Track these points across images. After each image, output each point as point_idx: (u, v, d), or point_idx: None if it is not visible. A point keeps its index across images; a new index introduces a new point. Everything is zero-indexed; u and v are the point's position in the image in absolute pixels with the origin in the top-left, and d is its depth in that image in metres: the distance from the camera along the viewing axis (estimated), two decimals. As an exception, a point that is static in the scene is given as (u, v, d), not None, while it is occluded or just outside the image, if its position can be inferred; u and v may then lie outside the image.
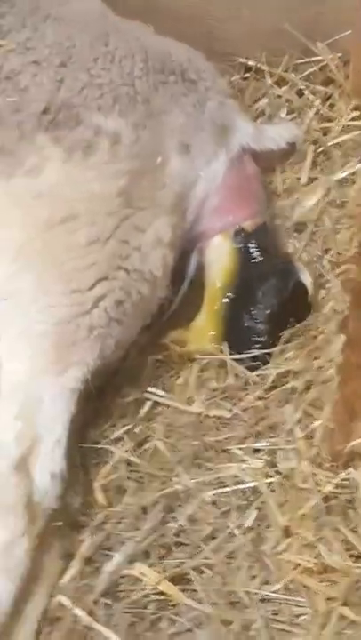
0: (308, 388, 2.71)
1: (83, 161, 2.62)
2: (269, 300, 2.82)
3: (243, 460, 2.61)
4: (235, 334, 2.82)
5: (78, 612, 2.38)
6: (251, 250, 2.86)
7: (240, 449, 2.63)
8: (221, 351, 2.81)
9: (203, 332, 2.84)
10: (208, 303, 2.86)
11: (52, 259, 2.57)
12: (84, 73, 2.71)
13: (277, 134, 3.08)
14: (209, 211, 2.86)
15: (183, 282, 2.89)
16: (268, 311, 2.81)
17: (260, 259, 2.86)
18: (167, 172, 2.74)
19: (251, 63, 3.40)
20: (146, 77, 2.78)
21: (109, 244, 2.61)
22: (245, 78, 3.41)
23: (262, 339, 2.79)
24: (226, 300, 2.84)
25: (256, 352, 2.78)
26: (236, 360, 2.79)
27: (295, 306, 2.85)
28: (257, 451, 2.63)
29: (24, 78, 2.68)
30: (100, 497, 2.59)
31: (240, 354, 2.78)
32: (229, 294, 2.84)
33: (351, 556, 2.43)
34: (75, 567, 2.49)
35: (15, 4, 2.79)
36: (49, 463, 2.46)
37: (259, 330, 2.81)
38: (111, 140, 2.66)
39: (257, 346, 2.79)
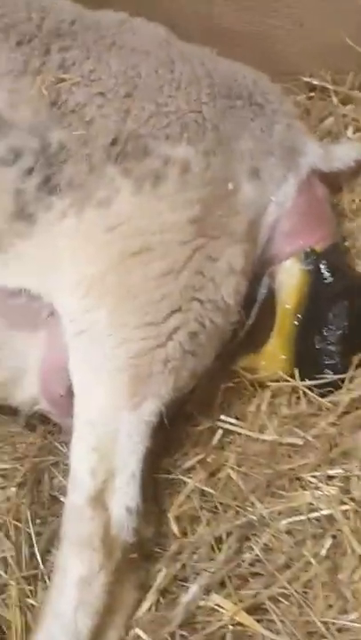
0: (381, 413, 2.68)
1: (153, 191, 2.61)
2: (341, 322, 2.79)
3: (317, 488, 2.58)
4: (306, 357, 2.80)
5: (155, 645, 2.38)
6: (322, 270, 2.83)
7: (314, 476, 2.60)
8: (293, 377, 2.78)
9: (274, 356, 2.82)
10: (279, 326, 2.84)
11: (125, 292, 2.56)
12: (150, 102, 2.70)
13: (345, 154, 3.03)
14: (280, 235, 2.83)
15: (254, 306, 2.86)
16: (339, 332, 2.79)
17: (331, 279, 2.84)
18: (239, 198, 2.72)
19: (315, 82, 3.39)
20: (213, 103, 2.76)
21: (183, 275, 2.59)
22: (310, 97, 3.40)
23: (334, 361, 2.77)
24: (297, 323, 2.82)
25: (328, 377, 2.75)
26: (308, 386, 2.76)
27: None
28: (331, 478, 2.60)
29: (90, 111, 2.67)
30: (174, 527, 2.60)
31: (312, 379, 2.76)
32: (300, 316, 2.81)
33: None
34: (150, 599, 2.50)
35: (77, 36, 2.78)
36: (125, 497, 2.46)
37: (330, 352, 2.78)
38: (181, 168, 2.64)
39: (329, 369, 2.76)
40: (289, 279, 2.85)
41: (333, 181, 3.06)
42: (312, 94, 3.40)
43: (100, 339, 2.54)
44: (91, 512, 2.44)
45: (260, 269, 2.86)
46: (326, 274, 2.84)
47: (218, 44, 3.01)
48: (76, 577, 2.40)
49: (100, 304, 2.55)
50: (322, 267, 2.84)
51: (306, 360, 2.80)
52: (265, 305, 2.88)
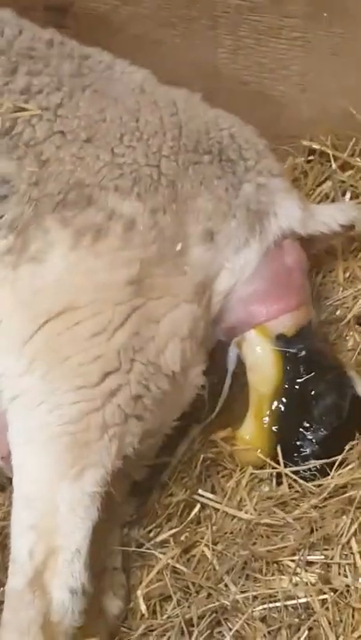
0: (367, 497, 2.56)
1: (91, 247, 2.43)
2: (326, 422, 2.64)
3: (295, 574, 2.45)
4: (287, 447, 2.64)
5: None
6: (296, 355, 2.67)
7: (292, 561, 2.47)
8: (276, 459, 2.63)
9: (251, 444, 2.67)
10: (254, 412, 2.68)
11: (55, 354, 2.39)
12: (106, 150, 2.52)
13: (330, 216, 2.81)
14: (238, 303, 2.64)
15: (226, 376, 2.73)
16: (324, 433, 2.64)
17: (307, 365, 2.66)
18: (187, 259, 2.53)
19: (315, 146, 3.29)
20: (175, 157, 2.58)
21: (117, 336, 2.41)
22: (310, 161, 3.30)
23: (318, 451, 2.62)
24: (274, 408, 2.66)
25: (313, 463, 2.61)
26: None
27: (354, 422, 2.66)
28: (310, 564, 2.47)
29: (48, 149, 2.49)
30: (142, 606, 2.46)
31: (296, 463, 2.62)
32: (276, 403, 2.66)
33: None
34: None
35: (50, 62, 2.61)
36: (68, 577, 2.28)
37: (314, 451, 2.63)
38: (125, 225, 2.46)
39: (312, 457, 2.62)
40: (259, 359, 2.68)
41: (319, 245, 2.93)
42: (311, 158, 3.30)
43: (32, 405, 2.37)
44: (30, 596, 2.25)
45: (225, 337, 2.70)
46: (301, 358, 2.67)
47: (218, 98, 2.90)
48: None
49: (32, 368, 2.39)
50: (294, 350, 2.67)
51: (287, 449, 2.64)
52: (238, 374, 2.74)
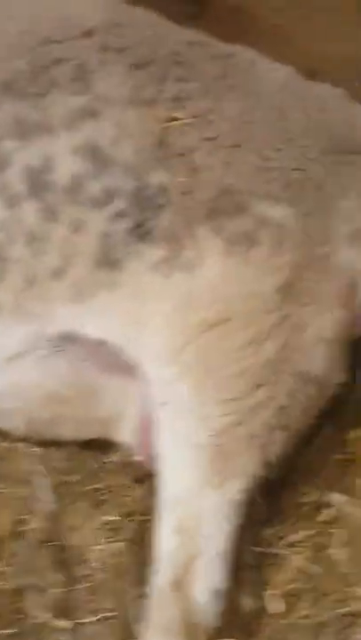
0: None
1: (242, 255, 2.44)
2: None
3: None
4: None
5: None
6: None
7: None
8: None
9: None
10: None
11: (206, 365, 2.43)
12: (255, 155, 2.51)
13: None
14: None
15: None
16: None
17: None
18: (335, 262, 2.52)
19: None
20: (323, 158, 2.56)
21: (266, 347, 2.44)
22: None
23: None
24: None
25: None
26: None
27: None
28: None
29: (198, 157, 2.49)
30: (274, 605, 2.53)
31: None
32: None
33: None
34: None
35: (195, 65, 2.59)
36: (210, 580, 2.37)
37: None
38: (275, 231, 2.46)
39: None
40: None
41: None
42: None
43: (183, 413, 2.43)
44: (173, 596, 2.36)
45: None
46: None
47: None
48: None
49: (182, 377, 2.44)
50: None
51: None
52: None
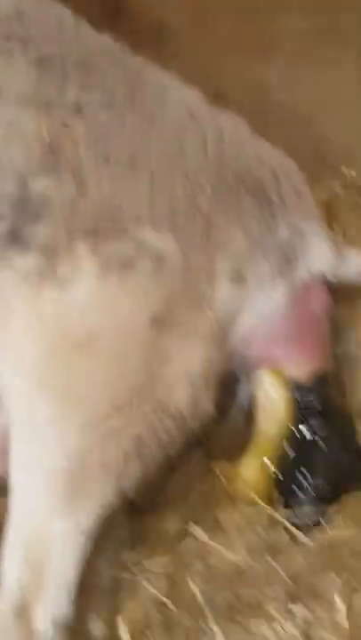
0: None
1: (118, 280, 2.39)
2: (327, 472, 2.65)
3: (277, 621, 2.48)
4: (285, 492, 2.67)
5: None
6: (308, 403, 2.66)
7: (275, 609, 2.50)
8: (272, 503, 2.66)
9: (249, 484, 2.69)
10: (256, 451, 2.69)
11: (67, 384, 2.37)
12: (147, 181, 2.47)
13: None
14: (258, 340, 2.61)
15: (233, 402, 2.72)
16: (323, 483, 2.65)
17: (317, 414, 2.66)
18: (213, 299, 2.50)
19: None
20: (215, 194, 2.53)
21: (131, 374, 2.40)
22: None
23: (319, 509, 2.65)
24: (276, 452, 2.67)
25: (311, 511, 2.64)
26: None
27: (356, 475, 2.70)
28: (293, 613, 2.49)
29: (88, 173, 2.42)
30: (123, 634, 2.48)
31: (292, 509, 2.65)
32: (280, 447, 2.67)
33: None
34: None
35: (103, 74, 2.52)
36: (54, 609, 2.32)
37: (312, 500, 2.64)
38: (155, 261, 2.41)
39: (311, 505, 2.65)
40: (271, 401, 2.67)
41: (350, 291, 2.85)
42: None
43: (38, 433, 2.36)
44: (14, 624, 2.29)
45: (238, 370, 2.68)
46: (314, 409, 2.67)
47: (268, 119, 2.88)
48: None
49: (41, 394, 2.36)
50: (308, 400, 2.67)
51: (286, 489, 2.67)
52: (246, 409, 2.74)
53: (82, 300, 2.38)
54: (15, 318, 2.39)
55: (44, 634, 2.30)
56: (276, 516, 2.65)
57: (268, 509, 2.66)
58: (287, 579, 2.55)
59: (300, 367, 2.67)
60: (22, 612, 2.30)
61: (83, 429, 2.36)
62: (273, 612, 2.50)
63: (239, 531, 2.67)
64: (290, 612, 2.50)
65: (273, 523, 2.67)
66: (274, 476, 2.68)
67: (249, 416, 2.75)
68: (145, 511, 2.68)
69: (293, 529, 2.64)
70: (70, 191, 2.41)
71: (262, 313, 2.60)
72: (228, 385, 2.70)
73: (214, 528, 2.68)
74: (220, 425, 2.73)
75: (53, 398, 2.37)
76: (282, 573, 2.56)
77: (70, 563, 2.34)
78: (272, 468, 2.68)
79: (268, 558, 2.60)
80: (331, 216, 3.13)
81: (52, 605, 2.31)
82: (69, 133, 2.44)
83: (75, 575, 2.34)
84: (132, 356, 2.40)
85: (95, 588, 2.54)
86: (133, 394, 2.40)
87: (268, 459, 2.69)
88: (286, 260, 2.62)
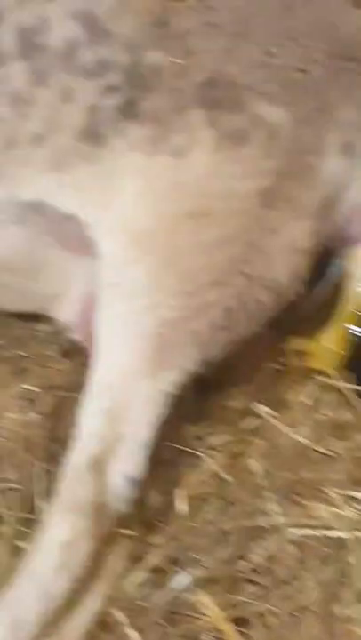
0: None
1: (232, 152, 2.34)
2: None
3: (337, 507, 2.45)
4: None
5: (130, 632, 2.29)
6: None
7: (336, 493, 2.46)
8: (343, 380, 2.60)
9: (328, 352, 2.63)
10: (338, 324, 2.62)
11: (171, 254, 2.34)
12: (257, 48, 2.39)
13: None
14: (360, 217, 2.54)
15: (321, 283, 2.64)
16: None
17: None
18: (320, 173, 2.43)
19: None
20: (327, 62, 2.43)
21: (235, 246, 2.37)
22: None
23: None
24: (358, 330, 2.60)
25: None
26: (356, 391, 2.59)
27: None
28: (354, 499, 2.46)
29: (194, 40, 2.37)
30: (181, 506, 2.48)
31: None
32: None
33: None
34: (139, 575, 2.39)
35: None
36: (127, 466, 2.33)
37: None
38: (268, 133, 2.36)
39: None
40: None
41: None
42: None
43: (132, 298, 2.35)
44: (88, 475, 2.30)
45: (335, 246, 2.59)
46: None
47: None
48: (59, 539, 2.27)
49: (142, 261, 2.35)
50: None
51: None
52: (336, 286, 2.65)
53: (197, 170, 2.35)
54: (124, 182, 2.36)
55: (116, 490, 2.31)
56: (345, 393, 2.59)
57: (339, 385, 2.61)
58: (351, 463, 2.50)
59: None
60: (96, 466, 2.31)
61: (178, 299, 2.36)
62: (334, 495, 2.47)
63: (306, 410, 2.62)
64: (351, 497, 2.47)
65: (341, 404, 2.62)
66: (356, 348, 2.60)
67: (335, 293, 2.66)
68: (211, 387, 2.63)
69: (363, 410, 2.58)
70: (180, 60, 2.36)
71: None
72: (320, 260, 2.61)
73: (280, 407, 2.64)
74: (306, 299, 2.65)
75: (154, 266, 2.35)
76: (345, 456, 2.51)
77: (149, 422, 2.35)
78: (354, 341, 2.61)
79: (334, 440, 2.55)
80: None
81: (126, 461, 2.32)
82: (176, 6, 2.40)
83: (151, 436, 2.35)
84: (239, 228, 2.38)
85: (155, 460, 2.52)
86: (233, 266, 2.38)
87: (347, 333, 2.62)
88: None
